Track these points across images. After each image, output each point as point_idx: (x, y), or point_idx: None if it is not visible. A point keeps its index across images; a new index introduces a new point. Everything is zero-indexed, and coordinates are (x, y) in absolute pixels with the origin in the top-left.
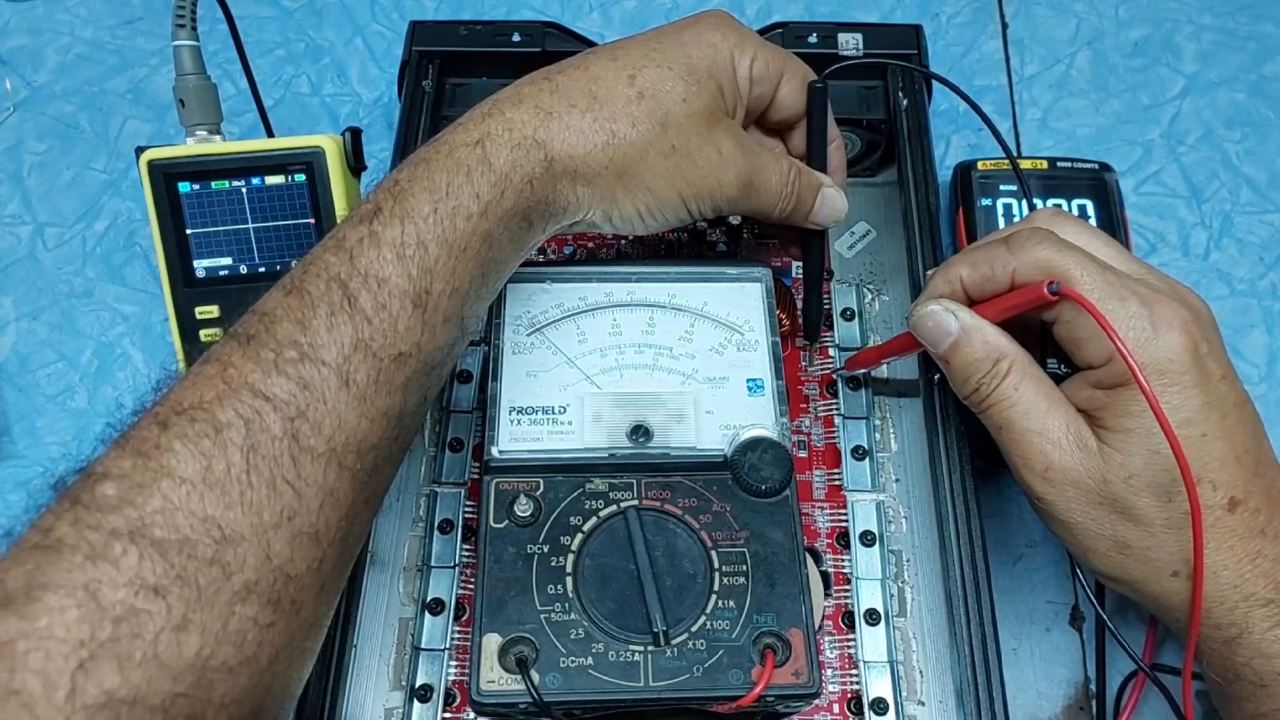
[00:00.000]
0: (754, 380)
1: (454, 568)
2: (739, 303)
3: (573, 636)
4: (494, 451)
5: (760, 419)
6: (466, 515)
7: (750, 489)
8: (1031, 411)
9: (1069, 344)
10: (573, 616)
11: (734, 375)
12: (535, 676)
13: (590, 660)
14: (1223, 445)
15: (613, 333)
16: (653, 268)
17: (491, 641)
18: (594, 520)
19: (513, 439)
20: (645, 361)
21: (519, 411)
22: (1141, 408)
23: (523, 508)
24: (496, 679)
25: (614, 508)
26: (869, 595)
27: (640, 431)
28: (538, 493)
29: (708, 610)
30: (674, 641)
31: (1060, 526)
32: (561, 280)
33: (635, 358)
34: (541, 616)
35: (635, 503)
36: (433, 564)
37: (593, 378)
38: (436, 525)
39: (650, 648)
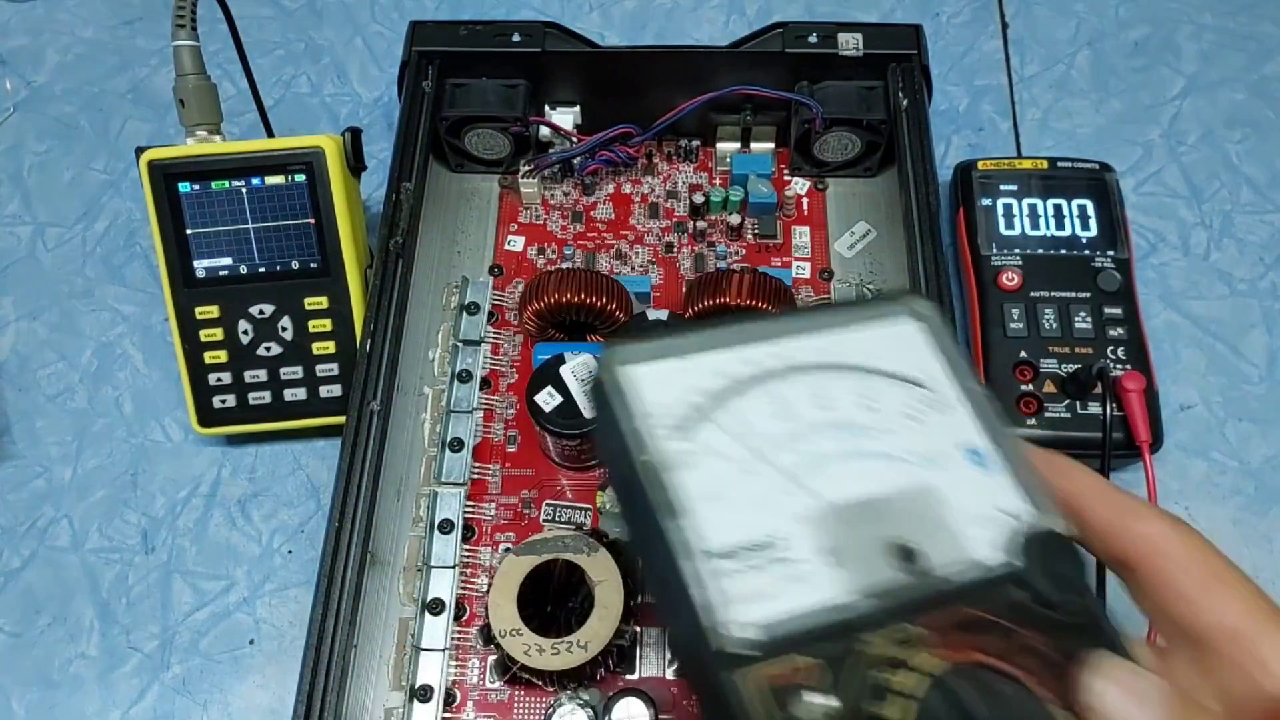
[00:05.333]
0: (971, 450)
1: (454, 568)
2: (900, 350)
3: None
4: (727, 632)
5: (1008, 503)
6: (466, 515)
7: (1050, 604)
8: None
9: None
10: None
11: (946, 445)
12: None
13: None
14: None
15: (781, 414)
16: (767, 319)
17: None
18: (908, 704)
19: (743, 600)
20: (844, 448)
21: (723, 557)
22: None
23: (812, 711)
24: None
25: (922, 678)
26: None
27: (903, 553)
28: (822, 681)
29: None
30: None
31: None
32: (676, 354)
33: (829, 444)
34: None
35: (945, 664)
36: (433, 564)
37: (802, 481)
38: (436, 525)
39: None
